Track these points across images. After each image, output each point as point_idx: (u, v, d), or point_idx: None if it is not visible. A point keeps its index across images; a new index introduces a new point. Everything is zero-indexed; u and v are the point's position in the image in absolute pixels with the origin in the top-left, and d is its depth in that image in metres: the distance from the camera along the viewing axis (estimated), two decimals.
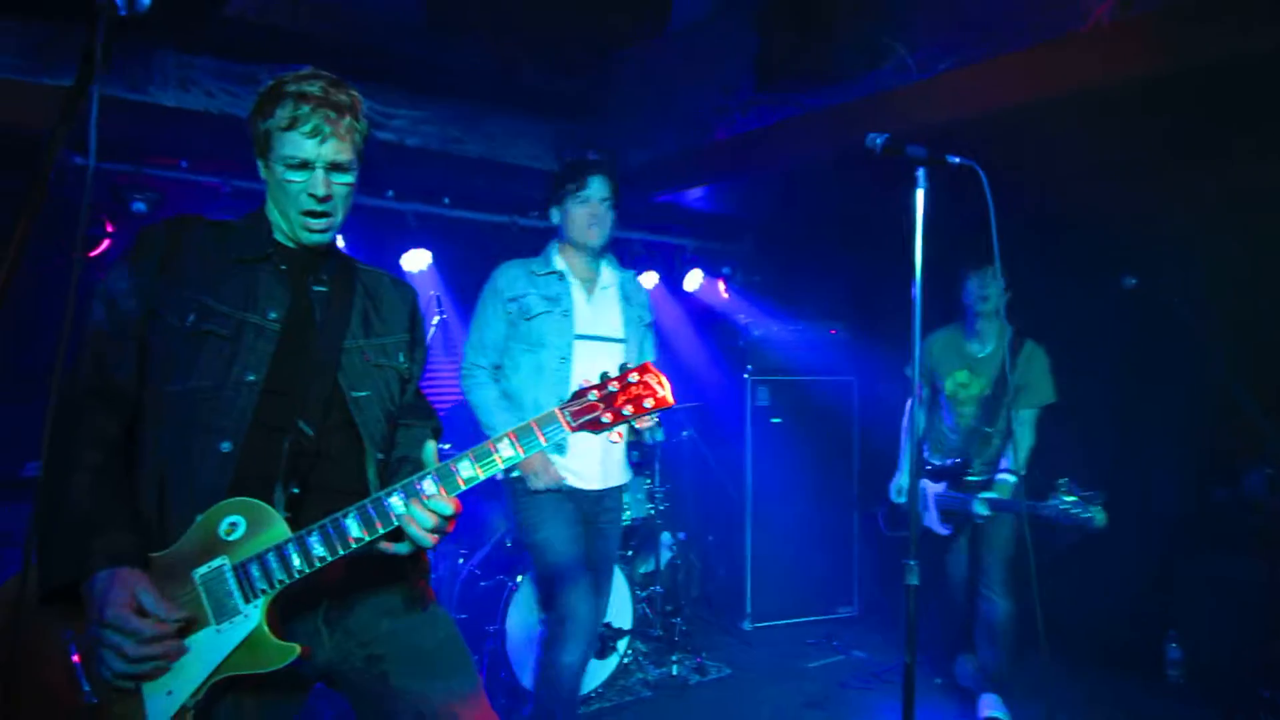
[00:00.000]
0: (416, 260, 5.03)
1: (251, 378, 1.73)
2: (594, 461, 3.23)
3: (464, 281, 5.72)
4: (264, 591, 1.63)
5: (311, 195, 1.78)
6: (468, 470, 1.69)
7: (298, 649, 1.65)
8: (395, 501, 1.67)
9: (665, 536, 5.22)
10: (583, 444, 3.14)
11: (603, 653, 4.31)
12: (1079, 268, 4.68)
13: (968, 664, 4.17)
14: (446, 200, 5.17)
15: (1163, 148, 4.05)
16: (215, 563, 1.63)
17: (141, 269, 1.74)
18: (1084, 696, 4.31)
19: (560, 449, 3.17)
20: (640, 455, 5.06)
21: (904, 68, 3.80)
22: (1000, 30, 3.44)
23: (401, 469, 1.90)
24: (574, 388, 2.57)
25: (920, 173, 2.19)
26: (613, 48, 4.82)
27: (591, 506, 3.26)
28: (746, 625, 5.50)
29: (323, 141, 1.75)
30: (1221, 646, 4.33)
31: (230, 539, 1.64)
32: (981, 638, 3.97)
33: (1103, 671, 4.62)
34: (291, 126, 1.74)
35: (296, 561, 1.64)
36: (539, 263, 3.28)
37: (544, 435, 1.69)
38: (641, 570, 5.17)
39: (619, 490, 3.37)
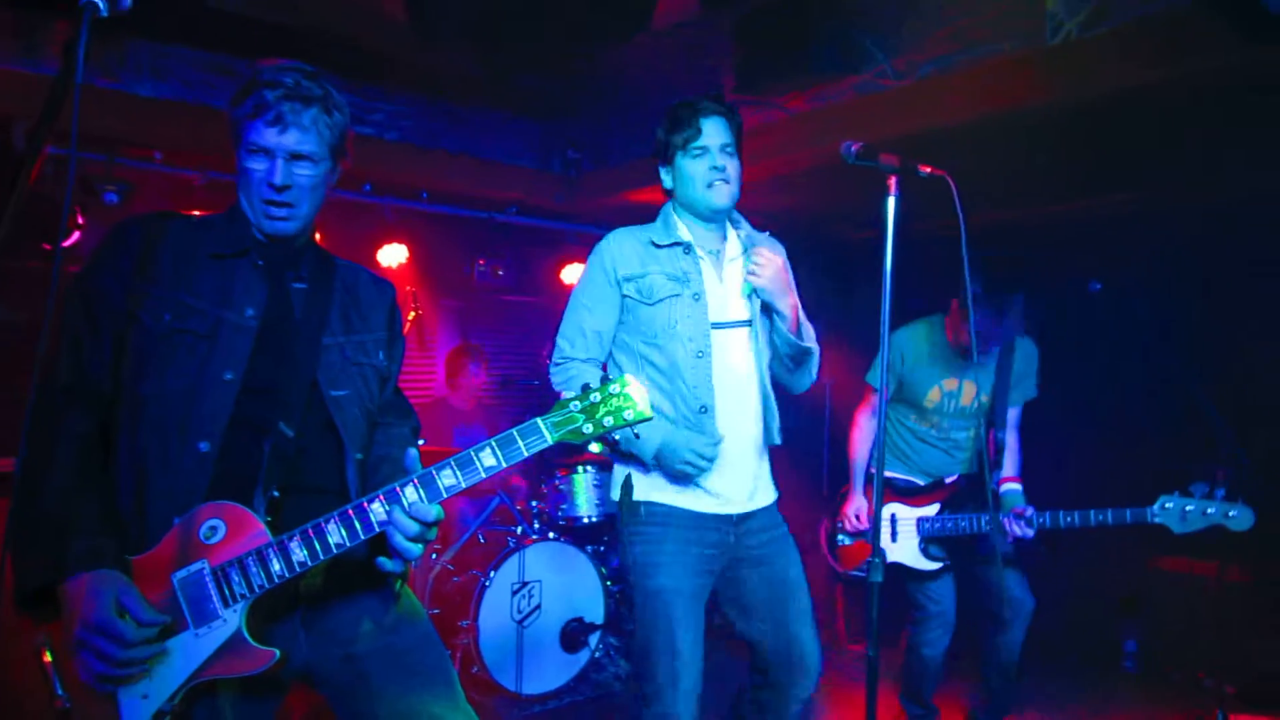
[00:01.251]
0: (393, 255, 5.04)
1: (229, 376, 1.71)
2: (745, 476, 2.52)
3: (441, 277, 5.75)
4: (244, 596, 1.62)
5: (270, 184, 1.75)
6: (449, 478, 1.67)
7: (277, 653, 1.63)
8: (376, 508, 1.66)
9: None
10: (734, 451, 2.47)
11: (574, 647, 4.35)
12: (1047, 272, 4.78)
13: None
14: (425, 195, 5.17)
15: (1127, 160, 4.14)
16: (194, 566, 1.61)
17: (117, 266, 1.71)
18: (1043, 687, 4.42)
19: (702, 464, 2.39)
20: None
21: (883, 74, 3.86)
22: (980, 40, 3.50)
23: (381, 468, 1.88)
24: (717, 386, 2.42)
25: (893, 182, 2.22)
26: (595, 47, 4.84)
27: (734, 533, 2.51)
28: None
29: (284, 131, 1.74)
30: (1173, 639, 4.47)
31: (210, 542, 1.62)
32: (997, 669, 3.54)
33: (1063, 662, 4.74)
34: (256, 115, 1.73)
35: (277, 566, 1.62)
36: (658, 231, 2.59)
37: (525, 446, 1.67)
38: (613, 565, 5.22)
39: (771, 509, 2.62)
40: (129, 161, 4.29)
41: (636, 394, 1.69)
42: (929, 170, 2.18)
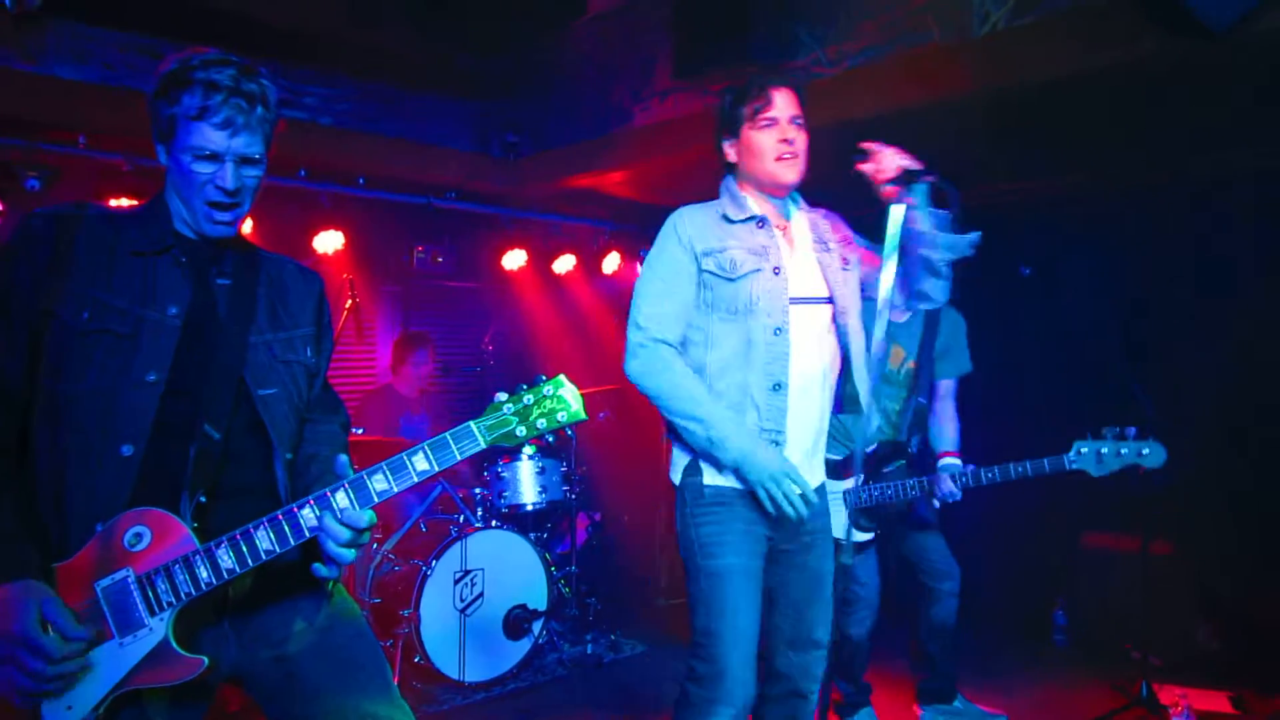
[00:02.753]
0: (329, 242, 4.95)
1: (152, 377, 1.66)
2: (808, 460, 2.44)
3: (379, 263, 5.68)
4: (170, 604, 1.58)
5: (219, 188, 1.71)
6: (381, 483, 1.65)
7: (206, 661, 1.60)
8: (307, 514, 1.63)
9: (581, 517, 5.29)
10: (800, 434, 2.41)
11: (517, 634, 4.36)
12: (980, 256, 4.88)
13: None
14: (361, 181, 5.09)
15: (1055, 146, 4.25)
16: (118, 575, 1.58)
17: (31, 258, 1.64)
18: (978, 661, 4.54)
19: (779, 447, 2.35)
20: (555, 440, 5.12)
21: (818, 62, 3.90)
22: (911, 30, 3.56)
23: (310, 467, 1.86)
24: (773, 368, 2.32)
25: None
26: (534, 30, 4.81)
27: (789, 521, 2.40)
28: (661, 602, 5.62)
29: (234, 134, 1.69)
30: (1101, 613, 4.63)
31: (134, 549, 1.58)
32: (935, 638, 3.70)
33: (996, 637, 4.88)
34: (201, 117, 1.66)
35: (204, 574, 1.59)
36: (731, 205, 2.47)
37: (458, 450, 1.65)
38: (557, 551, 5.24)
39: (821, 489, 2.51)
40: (52, 146, 4.15)
41: (569, 395, 1.68)
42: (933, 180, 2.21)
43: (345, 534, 1.64)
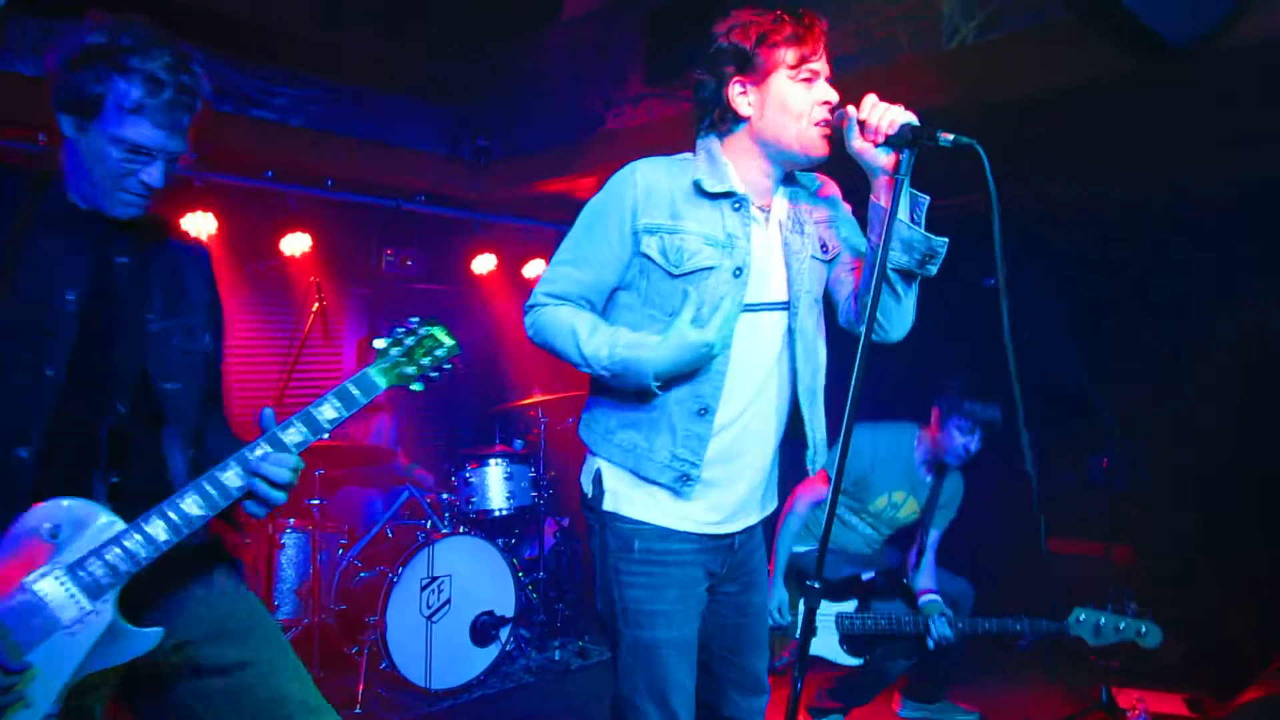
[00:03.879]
0: (296, 244, 4.91)
1: (50, 373, 1.58)
2: (754, 491, 2.06)
3: (347, 265, 5.63)
4: (111, 585, 1.57)
5: (145, 183, 1.66)
6: (295, 435, 1.69)
7: (161, 631, 1.62)
8: (230, 476, 1.64)
9: (549, 523, 5.27)
10: (744, 461, 2.00)
11: (484, 640, 4.34)
12: (944, 268, 4.94)
13: None
14: (330, 182, 5.04)
15: (1023, 159, 4.31)
16: (47, 569, 1.55)
17: None
18: None
19: (687, 482, 1.93)
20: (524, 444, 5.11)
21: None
22: (881, 41, 3.59)
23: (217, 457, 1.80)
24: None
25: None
26: (506, 34, 4.80)
27: (733, 558, 2.09)
28: None
29: (173, 135, 1.66)
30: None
31: (57, 541, 1.56)
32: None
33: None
34: (140, 112, 1.61)
35: (139, 550, 1.58)
36: (706, 173, 1.94)
37: (361, 394, 1.72)
38: (525, 556, 5.21)
39: (760, 525, 2.17)
40: (11, 144, 4.07)
41: (441, 334, 1.79)
42: (952, 138, 1.76)
43: (284, 474, 1.66)
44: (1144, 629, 3.18)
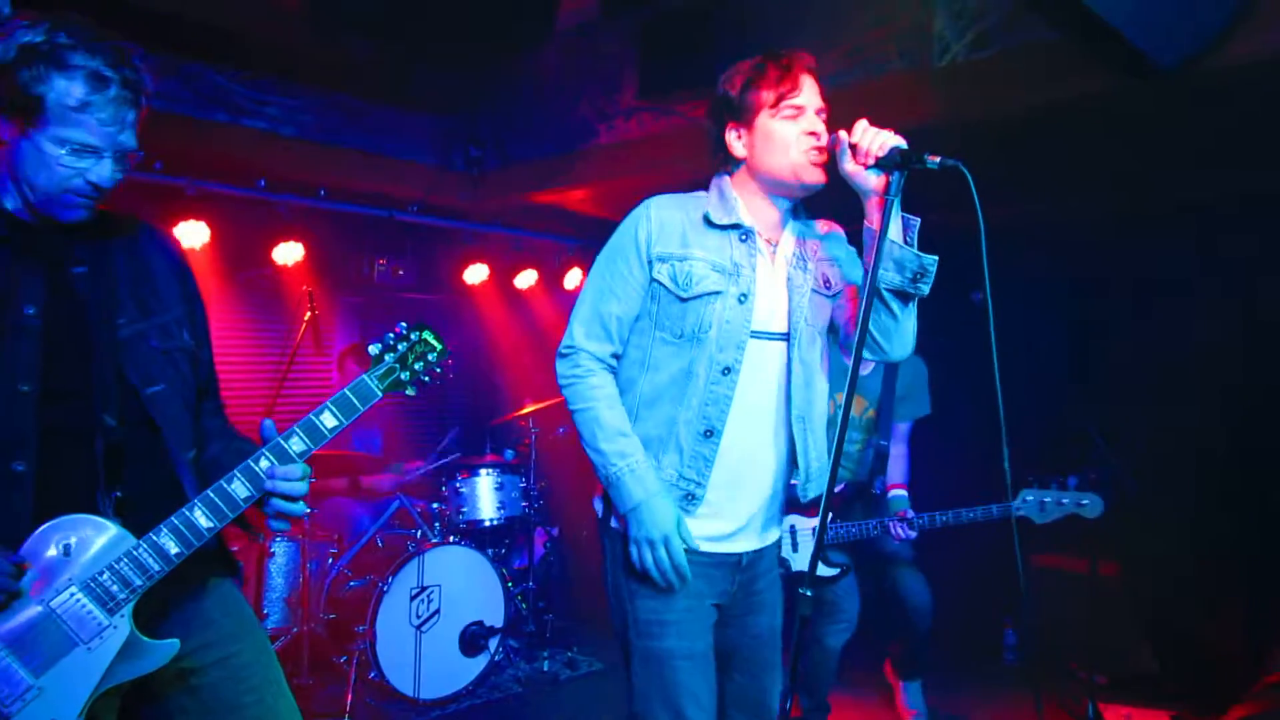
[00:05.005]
0: (289, 253, 4.91)
1: (25, 388, 1.57)
2: (760, 511, 2.13)
3: (339, 275, 5.63)
4: (126, 599, 1.58)
5: (92, 183, 1.61)
6: (298, 444, 1.70)
7: (177, 643, 1.63)
8: (237, 487, 1.65)
9: (539, 533, 5.27)
10: (751, 482, 2.10)
11: (473, 650, 4.33)
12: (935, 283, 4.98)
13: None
14: (322, 192, 5.05)
15: (1011, 176, 4.35)
16: (61, 586, 1.56)
17: None
18: (931, 677, 4.60)
19: (693, 501, 2.04)
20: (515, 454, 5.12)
21: None
22: (873, 58, 3.62)
23: (222, 461, 1.78)
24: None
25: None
26: (500, 45, 4.82)
27: (742, 577, 2.15)
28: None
29: (121, 131, 1.62)
30: (1049, 632, 4.72)
31: (70, 558, 1.57)
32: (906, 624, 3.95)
33: (947, 655, 4.94)
34: (85, 110, 1.56)
35: (152, 564, 1.59)
36: (715, 205, 2.10)
37: (360, 402, 1.74)
38: (515, 566, 5.21)
39: (776, 546, 2.27)
40: None
41: (432, 338, 1.83)
42: (939, 160, 1.84)
43: (296, 486, 1.68)
44: (1085, 500, 3.31)
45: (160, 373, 1.75)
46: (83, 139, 1.58)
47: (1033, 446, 3.47)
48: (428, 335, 1.82)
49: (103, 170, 1.62)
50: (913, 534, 3.49)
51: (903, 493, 3.71)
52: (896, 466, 3.77)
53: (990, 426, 1.91)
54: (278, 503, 1.69)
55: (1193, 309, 4.47)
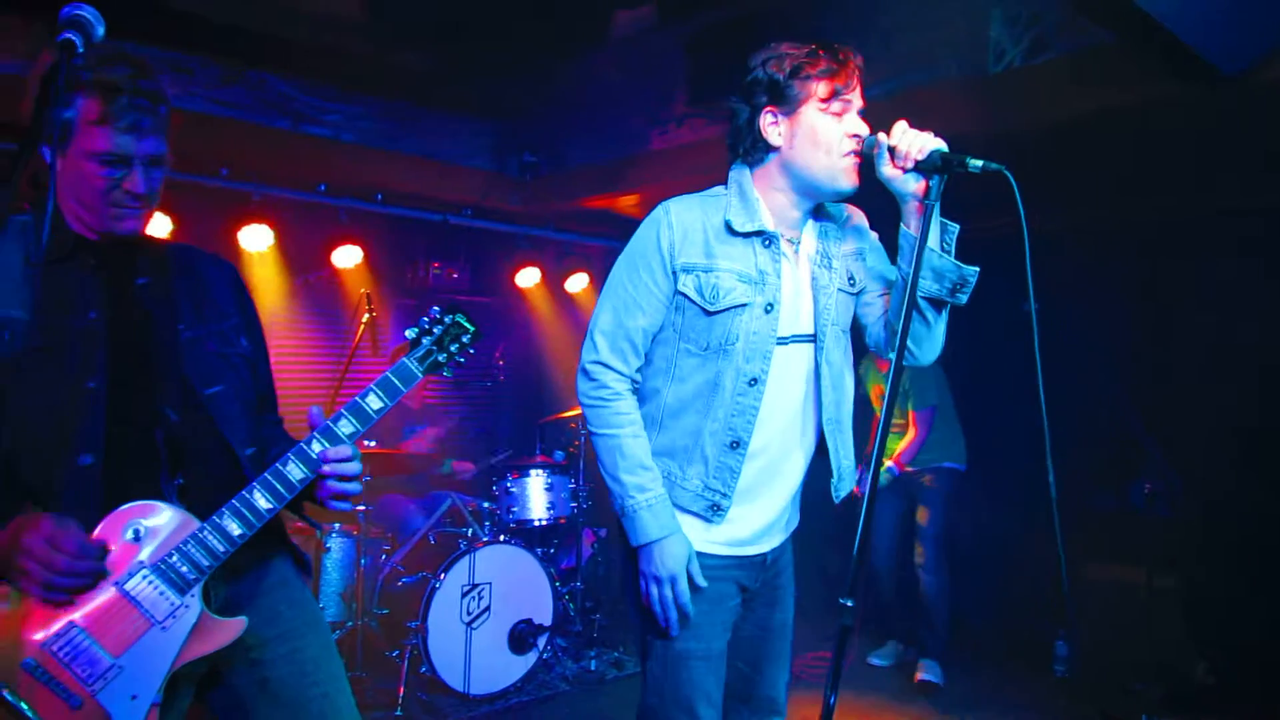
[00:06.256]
0: (347, 256, 5.03)
1: (92, 384, 1.66)
2: (782, 513, 2.10)
3: (395, 278, 5.75)
4: (196, 579, 1.66)
5: (129, 192, 1.69)
6: (347, 426, 1.77)
7: (246, 620, 1.71)
8: (292, 469, 1.73)
9: (587, 533, 5.33)
10: (775, 487, 2.06)
11: (522, 648, 4.40)
12: (983, 292, 4.93)
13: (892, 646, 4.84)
14: (380, 197, 5.17)
15: (1064, 182, 4.30)
16: (135, 570, 1.64)
17: None
18: (979, 688, 4.56)
19: (718, 512, 1.99)
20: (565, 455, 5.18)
21: None
22: (928, 65, 3.61)
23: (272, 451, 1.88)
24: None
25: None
26: (554, 53, 4.89)
27: (762, 575, 2.12)
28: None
29: (142, 138, 1.67)
30: (1103, 645, 4.65)
31: (139, 543, 1.65)
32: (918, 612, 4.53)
33: (997, 665, 4.89)
34: (104, 121, 1.63)
35: (218, 544, 1.67)
36: (736, 209, 1.98)
37: (402, 384, 1.80)
38: (563, 566, 5.27)
39: (787, 544, 2.22)
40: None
41: (462, 319, 1.89)
42: (981, 164, 1.74)
43: (351, 466, 1.76)
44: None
45: (220, 375, 1.84)
46: (109, 148, 1.66)
47: (1088, 454, 3.44)
48: (460, 319, 1.88)
49: (135, 179, 1.70)
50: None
51: (891, 466, 4.39)
52: (908, 449, 4.34)
53: (1054, 436, 1.86)
54: (333, 483, 1.78)
55: (1254, 313, 4.37)
